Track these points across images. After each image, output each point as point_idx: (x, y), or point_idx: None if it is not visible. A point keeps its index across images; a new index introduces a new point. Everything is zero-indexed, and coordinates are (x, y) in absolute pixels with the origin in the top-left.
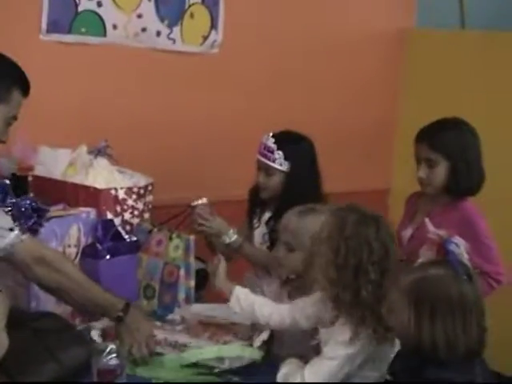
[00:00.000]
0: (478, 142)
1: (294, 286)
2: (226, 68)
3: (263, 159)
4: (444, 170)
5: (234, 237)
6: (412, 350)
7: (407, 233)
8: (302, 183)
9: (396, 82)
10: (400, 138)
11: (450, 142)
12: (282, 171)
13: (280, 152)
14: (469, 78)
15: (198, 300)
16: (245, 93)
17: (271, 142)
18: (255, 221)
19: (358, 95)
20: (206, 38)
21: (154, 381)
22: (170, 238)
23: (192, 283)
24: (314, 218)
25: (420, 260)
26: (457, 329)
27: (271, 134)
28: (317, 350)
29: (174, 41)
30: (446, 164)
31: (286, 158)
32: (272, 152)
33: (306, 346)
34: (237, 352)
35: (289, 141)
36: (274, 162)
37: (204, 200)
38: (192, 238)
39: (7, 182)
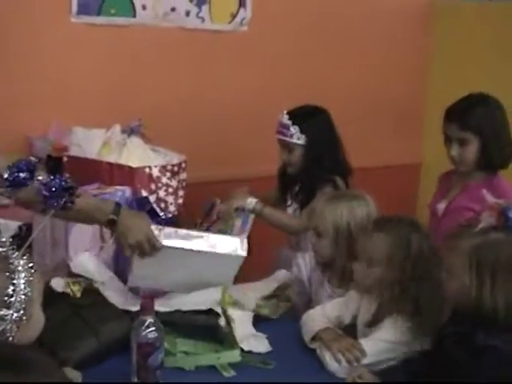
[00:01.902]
0: (505, 115)
1: (333, 272)
2: (254, 45)
3: (281, 137)
4: (476, 148)
5: (254, 202)
6: (468, 315)
7: (442, 206)
8: (321, 153)
9: (425, 54)
10: (430, 112)
11: (480, 120)
12: (301, 145)
13: (295, 127)
14: (497, 51)
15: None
16: (274, 70)
17: (286, 119)
18: (288, 198)
19: (387, 69)
20: (234, 16)
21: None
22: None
23: None
24: (340, 205)
25: (481, 225)
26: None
27: (285, 112)
28: None
29: (202, 19)
30: (478, 141)
31: (301, 132)
32: (288, 128)
33: None
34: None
35: (302, 115)
36: (291, 137)
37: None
38: (252, 216)
39: (34, 159)
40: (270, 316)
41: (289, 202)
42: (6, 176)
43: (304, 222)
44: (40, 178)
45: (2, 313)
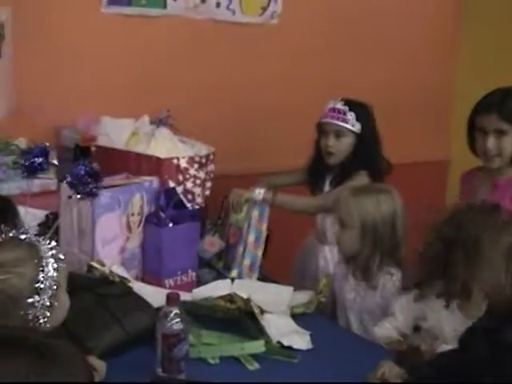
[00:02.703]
0: None
1: (357, 265)
2: (285, 38)
3: (335, 121)
4: None
5: (263, 191)
6: (502, 311)
7: None
8: (372, 145)
9: (453, 48)
10: (459, 110)
11: None
12: (354, 132)
13: (352, 113)
14: None
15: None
16: (302, 64)
17: (341, 104)
18: (318, 192)
19: (415, 63)
20: (265, 8)
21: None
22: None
23: (259, 252)
24: (366, 199)
25: None
26: None
27: (339, 98)
28: None
29: (233, 12)
30: None
31: (357, 119)
32: (344, 113)
33: None
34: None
35: (358, 103)
36: (346, 122)
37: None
38: (267, 206)
39: (47, 144)
40: (306, 311)
41: (319, 194)
42: (21, 162)
43: (323, 201)
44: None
45: (32, 300)
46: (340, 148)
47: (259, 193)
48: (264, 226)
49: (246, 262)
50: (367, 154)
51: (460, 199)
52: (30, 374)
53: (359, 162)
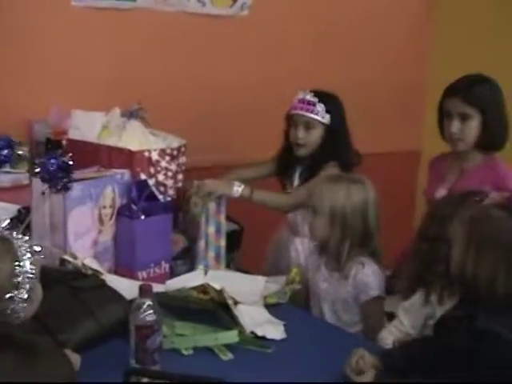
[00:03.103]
0: (504, 98)
1: (328, 255)
2: (255, 30)
3: (305, 113)
4: (477, 125)
5: (241, 187)
6: (472, 298)
7: (440, 193)
8: (341, 137)
9: (427, 43)
10: (431, 100)
11: (484, 97)
12: (324, 124)
13: (321, 105)
14: (500, 36)
15: (231, 261)
16: (274, 55)
17: (311, 96)
18: (288, 184)
19: (389, 56)
20: (235, 0)
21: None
22: (189, 196)
23: (222, 242)
24: (338, 187)
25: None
26: (499, 269)
27: (308, 90)
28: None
29: (203, 4)
30: (480, 118)
31: (327, 111)
32: (314, 105)
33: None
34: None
35: (327, 95)
36: (316, 114)
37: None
38: (224, 197)
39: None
40: (279, 301)
41: (288, 188)
42: None
43: (296, 198)
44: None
45: (11, 294)
46: (309, 140)
47: (237, 190)
48: (222, 217)
49: (211, 254)
50: (337, 145)
51: (428, 184)
52: (17, 370)
53: (329, 154)
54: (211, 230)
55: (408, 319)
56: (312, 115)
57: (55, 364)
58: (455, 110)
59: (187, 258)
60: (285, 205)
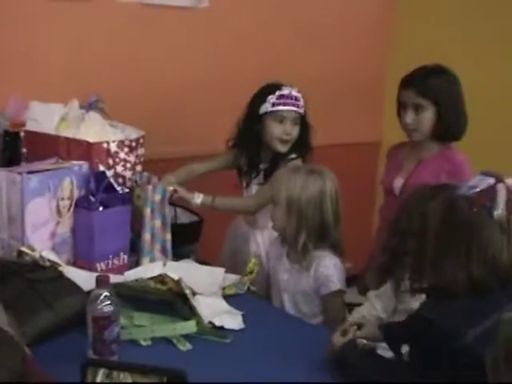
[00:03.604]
0: (461, 88)
1: (288, 246)
2: (215, 22)
3: (296, 109)
4: (431, 115)
5: (201, 196)
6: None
7: (399, 182)
8: (309, 129)
9: (386, 35)
10: (391, 91)
11: (438, 88)
12: (302, 118)
13: (302, 100)
14: (460, 28)
15: (191, 253)
16: (234, 46)
17: (296, 91)
18: (248, 180)
19: (350, 47)
20: None
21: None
22: (133, 188)
23: (168, 236)
24: (295, 178)
25: None
26: (460, 257)
27: (289, 85)
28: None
29: None
30: (434, 109)
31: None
32: (300, 100)
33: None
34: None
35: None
36: (301, 108)
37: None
38: (169, 188)
39: None
40: (238, 292)
41: (245, 184)
42: None
43: (258, 200)
44: None
45: None
46: (294, 135)
47: (198, 197)
48: (167, 210)
49: (157, 247)
50: (305, 138)
51: (386, 173)
52: None
53: (295, 148)
54: (157, 222)
55: (380, 304)
56: (300, 110)
57: (7, 354)
58: (409, 101)
59: (132, 251)
60: (251, 206)
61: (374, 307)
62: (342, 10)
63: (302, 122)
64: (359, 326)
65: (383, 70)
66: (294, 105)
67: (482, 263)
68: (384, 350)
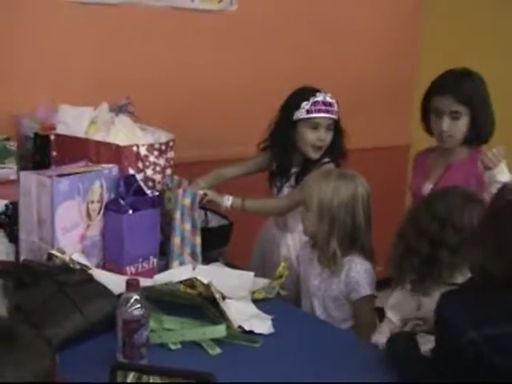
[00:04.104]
0: (488, 89)
1: (320, 251)
2: (244, 25)
3: (330, 115)
4: (467, 121)
5: (231, 199)
6: None
7: (427, 187)
8: (339, 134)
9: (416, 37)
10: (419, 95)
11: (472, 93)
12: (335, 123)
13: (336, 105)
14: (490, 33)
15: (221, 256)
16: (263, 50)
17: (330, 97)
18: (280, 185)
19: (379, 51)
20: None
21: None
22: (163, 191)
23: (198, 240)
24: (327, 182)
25: None
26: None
27: (322, 91)
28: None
29: None
30: (469, 114)
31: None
32: (334, 106)
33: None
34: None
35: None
36: (336, 114)
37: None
38: (199, 192)
39: None
40: (267, 296)
41: (276, 188)
42: None
43: (288, 203)
44: None
45: None
46: (327, 141)
47: (228, 199)
48: (196, 214)
49: (187, 250)
50: (337, 143)
51: (413, 179)
52: None
53: (328, 152)
54: (187, 226)
55: (396, 315)
56: (334, 116)
57: (34, 353)
58: (447, 108)
59: (162, 254)
60: (281, 208)
61: (391, 321)
62: (370, 12)
63: (336, 126)
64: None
65: (412, 74)
66: (328, 111)
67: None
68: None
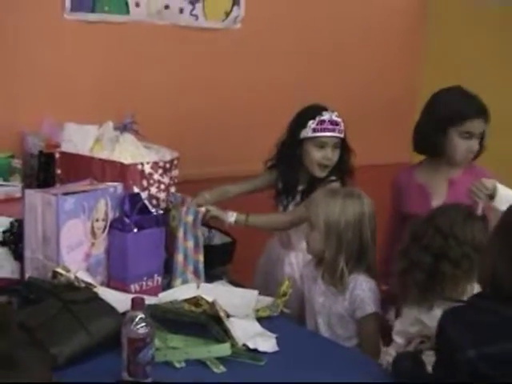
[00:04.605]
0: None
1: (325, 267)
2: (248, 44)
3: (336, 134)
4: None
5: (234, 215)
6: None
7: (438, 202)
8: (346, 153)
9: (418, 55)
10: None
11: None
12: (342, 141)
13: (342, 123)
14: (491, 52)
15: (224, 274)
16: (267, 68)
17: (336, 116)
18: (285, 202)
19: (380, 68)
20: (228, 13)
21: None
22: (168, 209)
23: (201, 257)
24: (333, 201)
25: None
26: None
27: (329, 109)
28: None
29: (196, 17)
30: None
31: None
32: (340, 125)
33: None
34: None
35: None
36: (342, 133)
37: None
38: (201, 210)
39: None
40: (271, 314)
41: (287, 204)
42: None
43: (294, 215)
44: None
45: None
46: (334, 160)
47: (232, 215)
48: (199, 232)
49: (190, 268)
50: (343, 161)
51: (405, 201)
52: None
53: (334, 171)
54: (190, 244)
55: (402, 340)
56: (340, 135)
57: (33, 377)
58: (478, 130)
59: (166, 272)
60: (285, 223)
61: (399, 345)
62: (372, 29)
63: (342, 145)
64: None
65: (413, 90)
66: (334, 130)
67: None
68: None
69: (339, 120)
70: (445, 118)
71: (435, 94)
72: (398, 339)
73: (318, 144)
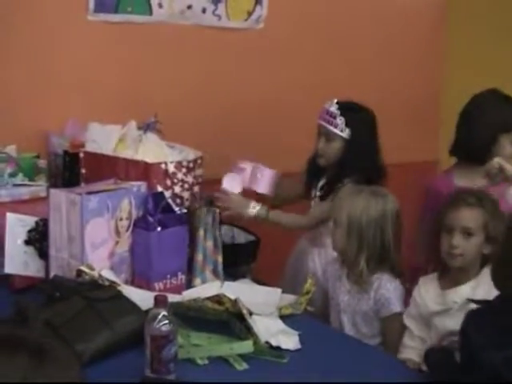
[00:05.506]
0: None
1: (349, 267)
2: (270, 43)
3: (325, 124)
4: None
5: (258, 207)
6: None
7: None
8: (361, 152)
9: (442, 51)
10: (447, 109)
11: None
12: (342, 138)
13: (342, 118)
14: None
15: (248, 272)
16: (289, 67)
17: (335, 108)
18: (313, 191)
19: (404, 65)
20: (250, 13)
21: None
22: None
23: (220, 258)
24: (357, 199)
25: None
26: None
27: (335, 101)
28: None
29: (219, 17)
30: None
31: (347, 125)
32: (334, 117)
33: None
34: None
35: (351, 109)
36: (335, 127)
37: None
38: (218, 210)
39: None
40: (294, 312)
41: (313, 194)
42: None
43: (313, 218)
44: None
45: None
46: (327, 151)
47: (254, 207)
48: (217, 232)
49: (209, 267)
50: (357, 160)
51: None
52: (28, 375)
53: (349, 168)
54: (209, 243)
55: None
56: (331, 128)
57: (67, 372)
58: None
59: (189, 271)
60: (303, 225)
61: (411, 331)
62: (396, 28)
63: (349, 142)
64: None
65: (439, 88)
66: (324, 119)
67: None
68: None
69: (334, 112)
70: (497, 124)
71: (477, 98)
72: (410, 323)
73: (317, 131)
